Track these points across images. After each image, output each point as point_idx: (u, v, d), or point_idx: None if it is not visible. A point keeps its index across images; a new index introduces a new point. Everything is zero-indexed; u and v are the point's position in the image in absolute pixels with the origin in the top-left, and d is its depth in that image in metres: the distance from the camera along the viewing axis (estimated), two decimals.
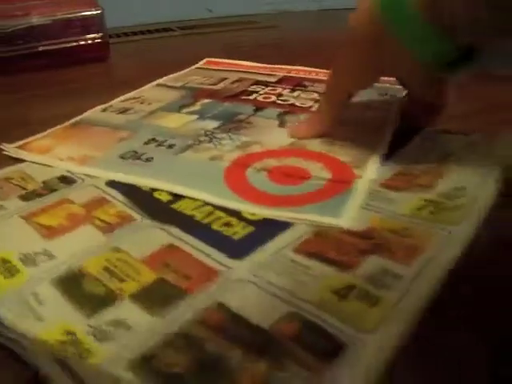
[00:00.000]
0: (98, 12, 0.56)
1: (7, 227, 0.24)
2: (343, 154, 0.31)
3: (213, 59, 0.57)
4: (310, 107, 0.40)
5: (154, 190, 0.27)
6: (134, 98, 0.43)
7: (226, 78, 0.49)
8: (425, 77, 0.28)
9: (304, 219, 0.24)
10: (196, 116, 0.38)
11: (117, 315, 0.17)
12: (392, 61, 0.28)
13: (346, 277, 0.19)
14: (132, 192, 0.27)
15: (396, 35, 0.26)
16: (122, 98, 0.43)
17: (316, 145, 0.32)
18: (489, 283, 0.20)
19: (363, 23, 0.28)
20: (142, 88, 0.46)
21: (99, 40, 0.57)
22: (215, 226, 0.23)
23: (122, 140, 0.34)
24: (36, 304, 0.18)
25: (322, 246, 0.22)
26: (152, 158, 0.31)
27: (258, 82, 0.47)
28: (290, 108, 0.40)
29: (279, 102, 0.42)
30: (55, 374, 0.15)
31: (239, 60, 0.56)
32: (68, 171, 0.29)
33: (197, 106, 0.41)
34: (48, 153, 0.32)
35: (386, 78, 0.49)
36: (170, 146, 0.33)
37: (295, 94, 0.44)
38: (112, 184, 0.28)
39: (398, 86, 0.46)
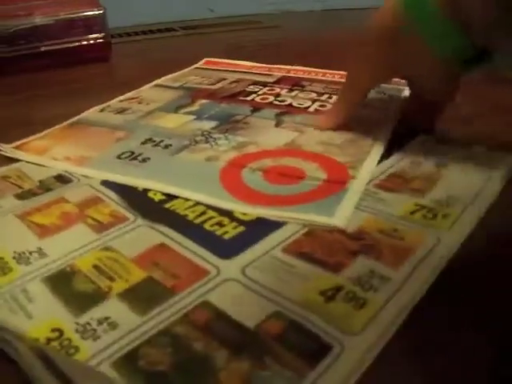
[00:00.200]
0: (100, 12, 0.56)
1: (2, 226, 0.24)
2: (339, 154, 0.31)
3: (212, 59, 0.57)
4: (308, 107, 0.41)
5: (148, 189, 0.27)
6: (133, 98, 0.43)
7: (224, 79, 0.49)
8: (444, 73, 0.29)
9: (297, 218, 0.24)
10: (193, 116, 0.39)
11: (104, 313, 0.18)
12: (411, 59, 0.29)
13: (334, 278, 0.19)
14: (126, 192, 0.27)
15: (419, 33, 0.27)
16: (120, 98, 0.43)
17: (312, 145, 0.33)
18: (489, 283, 0.20)
19: (385, 22, 0.29)
20: (141, 88, 0.46)
21: (101, 40, 0.57)
22: (207, 226, 0.24)
23: (119, 140, 0.34)
24: (26, 301, 0.18)
25: (312, 246, 0.22)
26: (148, 159, 0.31)
27: (256, 83, 0.48)
28: (288, 108, 0.40)
29: (276, 102, 0.42)
30: (40, 373, 0.15)
31: (241, 60, 0.56)
32: (65, 171, 0.30)
33: (194, 107, 0.41)
34: (45, 153, 0.32)
35: None
36: (167, 147, 0.33)
37: (293, 93, 0.44)
38: (107, 184, 0.28)
39: (397, 86, 0.47)
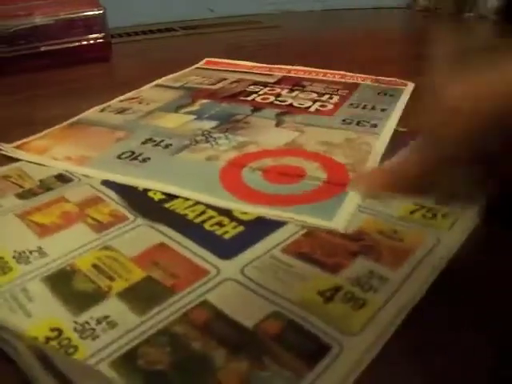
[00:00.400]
0: (101, 12, 0.56)
1: (2, 225, 0.24)
2: (340, 154, 0.31)
3: (212, 59, 0.57)
4: (309, 107, 0.41)
5: (148, 189, 0.27)
6: (133, 98, 0.43)
7: (225, 79, 0.49)
8: None
9: (297, 219, 0.24)
10: (194, 116, 0.39)
11: (103, 312, 0.18)
12: None
13: (333, 278, 0.19)
14: (126, 191, 0.27)
15: None
16: (120, 97, 0.43)
17: (313, 145, 0.33)
18: (488, 283, 0.20)
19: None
20: (141, 88, 0.46)
21: (101, 40, 0.57)
22: (207, 226, 0.23)
23: (120, 140, 0.34)
24: (26, 300, 0.18)
25: (311, 246, 0.22)
26: (148, 159, 0.31)
27: (256, 83, 0.48)
28: (288, 108, 0.40)
29: (277, 102, 0.42)
30: (38, 373, 0.15)
31: (242, 60, 0.56)
32: (66, 170, 0.30)
33: (195, 107, 0.41)
34: (45, 153, 0.32)
35: (384, 78, 0.50)
36: (167, 146, 0.33)
37: (293, 94, 0.44)
38: (107, 183, 0.28)
39: (395, 86, 0.46)
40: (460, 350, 0.17)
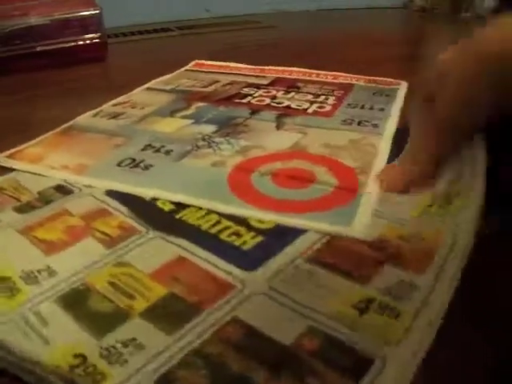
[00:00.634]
0: (97, 12, 0.55)
1: (4, 242, 0.22)
2: (346, 157, 0.30)
3: (202, 61, 0.55)
4: (307, 109, 0.40)
5: (156, 199, 0.26)
6: (125, 103, 0.41)
7: (217, 81, 0.48)
8: None
9: (317, 228, 0.23)
10: (191, 120, 0.37)
11: (128, 334, 0.16)
12: None
13: (364, 290, 0.19)
14: (133, 202, 0.25)
15: None
16: (112, 102, 0.41)
17: (316, 147, 0.32)
18: (491, 279, 0.19)
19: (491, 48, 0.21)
20: (132, 92, 0.44)
21: (97, 40, 0.56)
22: (223, 236, 0.22)
23: (117, 147, 0.32)
24: (40, 325, 0.17)
25: (335, 256, 0.21)
26: (151, 166, 0.29)
27: (250, 85, 0.46)
28: (286, 110, 0.39)
29: (274, 104, 0.41)
30: None
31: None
32: (64, 180, 0.28)
33: (191, 110, 0.39)
34: (40, 161, 0.30)
35: (378, 78, 0.49)
36: (168, 152, 0.31)
37: (289, 95, 0.43)
38: (111, 193, 0.26)
39: (391, 86, 0.46)
40: (461, 347, 0.16)
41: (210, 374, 0.15)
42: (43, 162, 0.30)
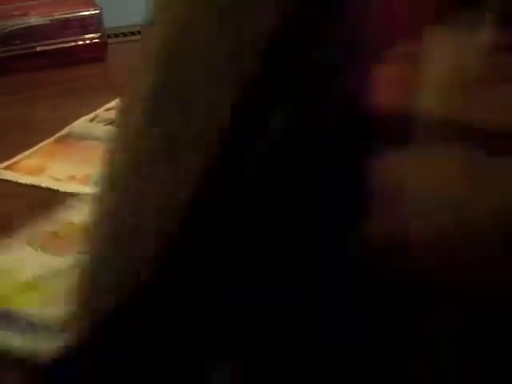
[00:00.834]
0: (97, 12, 0.55)
1: None
2: None
3: None
4: None
5: None
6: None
7: None
8: None
9: None
10: None
11: None
12: None
13: None
14: None
15: None
16: (106, 106, 0.41)
17: None
18: None
19: None
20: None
21: (97, 40, 0.56)
22: None
23: None
24: None
25: None
26: None
27: None
28: None
29: None
30: None
31: None
32: (73, 192, 0.27)
33: None
34: (42, 173, 0.30)
35: None
36: None
37: None
38: None
39: None
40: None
41: None
42: (45, 173, 0.29)
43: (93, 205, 0.15)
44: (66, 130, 0.36)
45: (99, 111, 0.40)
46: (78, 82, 0.50)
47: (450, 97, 0.13)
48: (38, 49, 0.52)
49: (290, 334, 0.13)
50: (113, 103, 0.42)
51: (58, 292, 0.18)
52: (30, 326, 0.18)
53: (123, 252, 0.14)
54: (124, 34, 0.72)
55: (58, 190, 0.28)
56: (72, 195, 0.27)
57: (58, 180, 0.29)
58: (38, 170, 0.30)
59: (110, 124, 0.38)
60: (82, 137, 0.36)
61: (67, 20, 0.53)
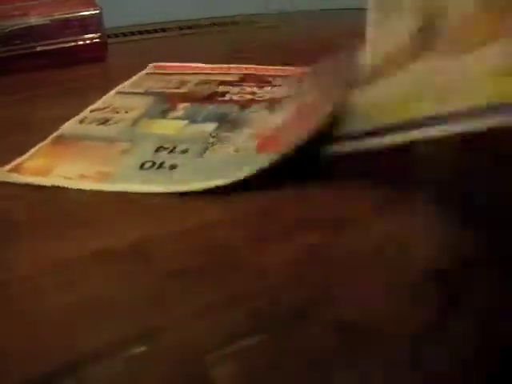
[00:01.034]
0: (97, 12, 0.55)
1: None
2: None
3: (161, 63, 0.54)
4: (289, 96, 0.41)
5: None
6: (104, 108, 0.40)
7: (186, 81, 0.47)
8: None
9: None
10: (186, 121, 0.37)
11: None
12: None
13: None
14: None
15: None
16: (90, 108, 0.40)
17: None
18: None
19: None
20: (104, 98, 0.43)
21: (97, 40, 0.56)
22: None
23: (126, 152, 0.32)
24: None
25: None
26: (176, 165, 0.30)
27: (222, 83, 0.46)
28: (272, 100, 0.40)
29: (257, 98, 0.41)
30: None
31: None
32: (90, 189, 0.27)
33: (180, 111, 0.39)
34: (50, 173, 0.29)
35: None
36: (184, 151, 0.32)
37: (267, 89, 0.44)
38: None
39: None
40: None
41: None
42: (53, 173, 0.29)
43: None
44: (58, 132, 0.35)
45: (86, 113, 0.39)
46: (78, 82, 0.50)
47: None
48: (38, 49, 0.52)
49: None
50: (96, 105, 0.41)
51: None
52: None
53: None
54: (124, 34, 0.72)
55: (73, 189, 0.27)
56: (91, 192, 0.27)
57: (69, 179, 0.28)
58: (45, 171, 0.29)
59: (102, 124, 0.37)
60: (78, 137, 0.35)
61: (67, 20, 0.53)
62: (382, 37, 0.29)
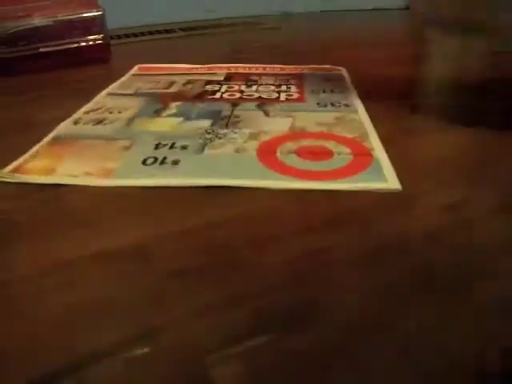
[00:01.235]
0: (100, 13, 0.55)
1: None
2: (342, 131, 0.34)
3: (145, 65, 0.54)
4: (278, 97, 0.42)
5: None
6: (98, 109, 0.40)
7: (173, 82, 0.48)
8: None
9: (363, 188, 0.26)
10: (180, 118, 0.38)
11: None
12: None
13: None
14: None
15: None
16: (83, 109, 0.40)
17: (313, 127, 0.35)
18: None
19: None
20: (96, 99, 0.43)
21: (100, 41, 0.56)
22: None
23: (127, 149, 0.32)
24: None
25: None
26: (178, 160, 0.30)
27: (209, 82, 0.47)
28: (261, 100, 0.41)
29: (245, 96, 0.42)
30: None
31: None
32: (96, 186, 0.27)
33: (173, 109, 0.40)
34: (54, 172, 0.29)
35: (319, 66, 0.50)
36: (184, 147, 0.32)
37: (253, 88, 0.45)
38: None
39: (335, 72, 0.49)
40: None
41: None
42: (57, 172, 0.29)
43: None
44: (54, 133, 0.35)
45: (79, 114, 0.39)
46: (81, 83, 0.50)
47: None
48: (43, 50, 0.52)
49: None
50: (89, 106, 0.41)
51: None
52: None
53: None
54: (127, 36, 0.72)
55: (72, 189, 0.27)
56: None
57: (75, 176, 0.28)
58: (49, 170, 0.29)
59: (98, 124, 0.37)
60: (75, 137, 0.35)
61: (71, 21, 0.53)
62: None
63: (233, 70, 0.51)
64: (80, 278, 0.20)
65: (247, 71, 0.50)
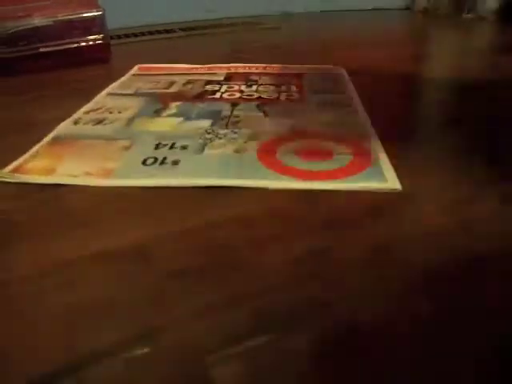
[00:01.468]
0: (100, 13, 0.55)
1: None
2: (343, 131, 0.34)
3: (145, 65, 0.54)
4: (278, 97, 0.42)
5: None
6: (98, 109, 0.40)
7: (173, 82, 0.48)
8: None
9: (363, 188, 0.26)
10: (180, 118, 0.38)
11: None
12: None
13: None
14: None
15: None
16: (83, 109, 0.40)
17: (314, 127, 0.35)
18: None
19: None
20: (96, 99, 0.43)
21: (100, 41, 0.56)
22: None
23: (127, 149, 0.32)
24: None
25: None
26: (178, 160, 0.30)
27: (209, 82, 0.47)
28: (261, 100, 0.41)
29: (245, 97, 0.42)
30: None
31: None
32: (96, 186, 0.27)
33: (173, 109, 0.40)
34: (54, 172, 0.29)
35: (318, 66, 0.50)
36: (184, 148, 0.32)
37: (253, 88, 0.45)
38: None
39: (333, 72, 0.49)
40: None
41: None
42: (57, 172, 0.29)
43: None
44: (54, 133, 0.35)
45: (79, 114, 0.39)
46: (82, 82, 0.50)
47: None
48: (43, 50, 0.51)
49: None
50: (89, 106, 0.41)
51: None
52: None
53: None
54: (127, 36, 0.72)
55: (72, 189, 0.27)
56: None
57: (75, 176, 0.28)
58: (49, 170, 0.29)
59: (98, 124, 0.37)
60: (75, 137, 0.35)
61: (71, 21, 0.53)
62: None
63: (233, 70, 0.51)
64: (80, 278, 0.20)
65: (247, 71, 0.51)
